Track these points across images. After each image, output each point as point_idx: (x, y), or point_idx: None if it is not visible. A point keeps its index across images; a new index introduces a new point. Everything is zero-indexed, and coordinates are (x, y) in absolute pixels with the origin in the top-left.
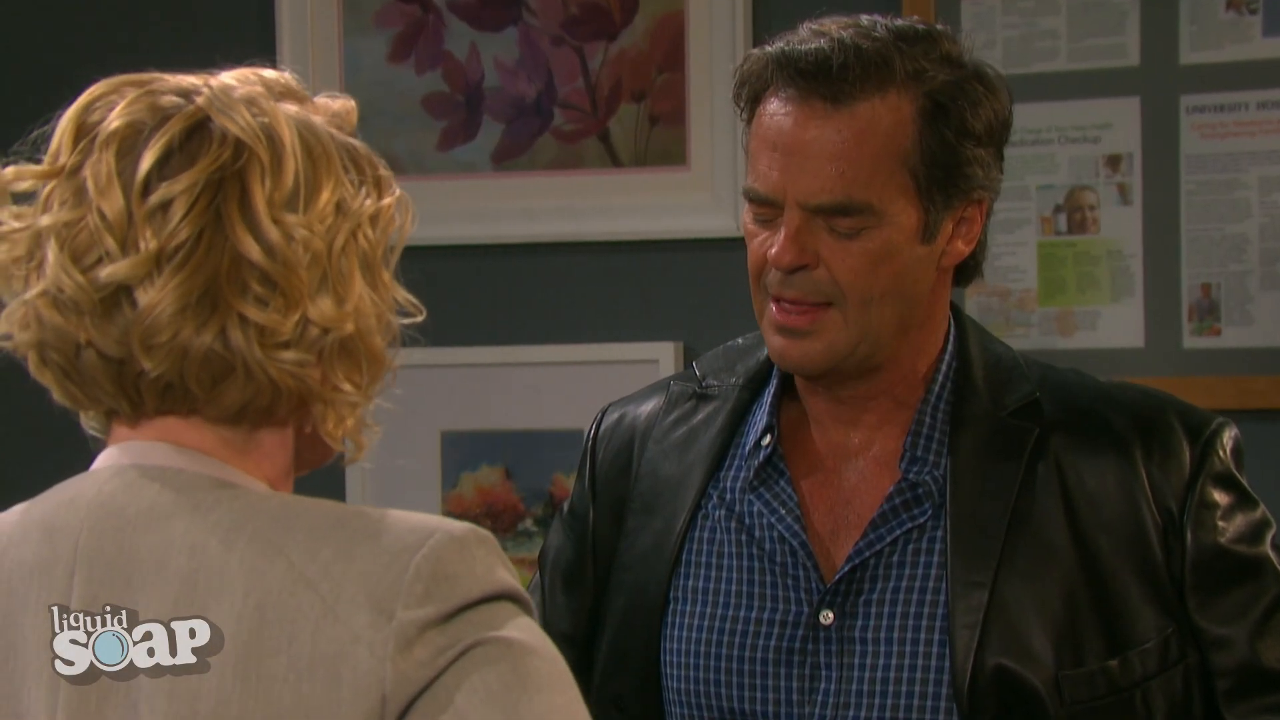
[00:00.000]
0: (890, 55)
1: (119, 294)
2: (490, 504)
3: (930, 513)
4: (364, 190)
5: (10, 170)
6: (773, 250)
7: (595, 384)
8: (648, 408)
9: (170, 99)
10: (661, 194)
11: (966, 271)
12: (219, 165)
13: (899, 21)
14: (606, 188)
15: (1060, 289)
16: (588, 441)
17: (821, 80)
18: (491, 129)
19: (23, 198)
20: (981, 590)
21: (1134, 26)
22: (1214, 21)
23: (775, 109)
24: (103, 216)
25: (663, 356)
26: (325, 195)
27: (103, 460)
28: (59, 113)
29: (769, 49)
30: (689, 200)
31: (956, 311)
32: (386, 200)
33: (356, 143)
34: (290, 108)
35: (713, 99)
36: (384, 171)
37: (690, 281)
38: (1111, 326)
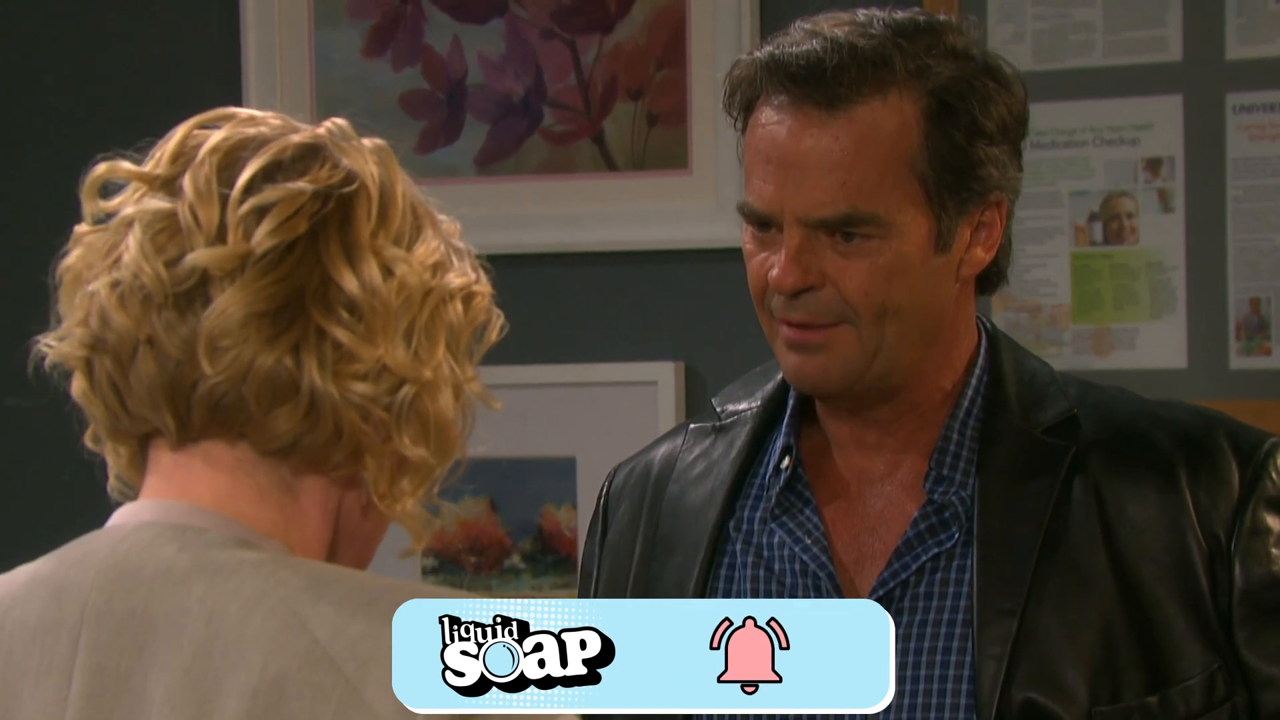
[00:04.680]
0: (889, 53)
1: (196, 291)
2: (474, 538)
3: (958, 538)
4: (461, 267)
5: (103, 166)
6: (774, 272)
7: (588, 407)
8: (662, 452)
9: (282, 123)
10: (661, 200)
11: (990, 279)
12: (326, 184)
13: (899, 15)
14: (601, 193)
15: (1095, 304)
16: (600, 500)
17: (815, 84)
18: (475, 130)
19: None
20: (1010, 618)
21: (1176, 18)
22: (1263, 13)
23: (768, 118)
24: (195, 217)
25: (662, 377)
26: (424, 250)
27: (120, 517)
28: (151, 140)
29: (758, 53)
30: (691, 206)
31: (988, 324)
32: (481, 287)
33: (459, 241)
34: (405, 177)
35: (716, 97)
36: (482, 270)
37: (692, 295)
38: (1151, 345)
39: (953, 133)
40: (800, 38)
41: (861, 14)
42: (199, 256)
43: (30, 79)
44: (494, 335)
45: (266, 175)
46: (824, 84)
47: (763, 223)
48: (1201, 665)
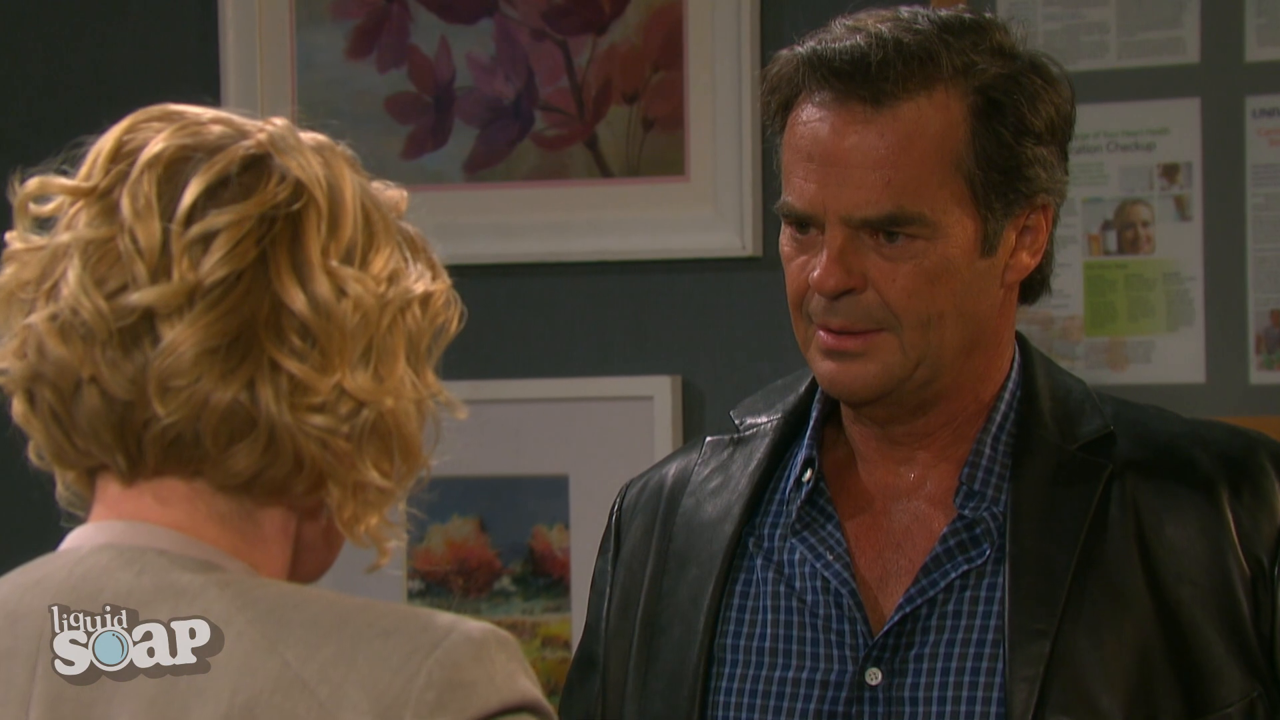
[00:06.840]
0: (935, 49)
1: (141, 326)
2: (462, 560)
3: (989, 555)
4: (417, 270)
5: (34, 181)
6: (815, 274)
7: (582, 423)
8: (675, 466)
9: (224, 129)
10: (657, 208)
11: (1033, 287)
12: (274, 203)
13: (944, 12)
14: (595, 201)
15: (1110, 316)
16: (612, 517)
17: (860, 80)
18: (464, 134)
19: (41, 226)
20: (1043, 640)
21: (1193, 19)
22: None
23: (810, 115)
24: (135, 242)
25: (659, 392)
26: (380, 261)
27: (75, 539)
28: (89, 137)
29: (799, 49)
30: (688, 215)
31: (1021, 337)
32: (439, 285)
33: (410, 228)
34: (353, 175)
35: (715, 100)
36: (437, 259)
37: (690, 307)
38: (1168, 359)
39: (1000, 131)
40: (842, 33)
41: (905, 11)
42: (144, 296)
43: (1, 82)
44: (454, 328)
45: (210, 195)
46: (869, 80)
47: (803, 223)
48: (1241, 692)
